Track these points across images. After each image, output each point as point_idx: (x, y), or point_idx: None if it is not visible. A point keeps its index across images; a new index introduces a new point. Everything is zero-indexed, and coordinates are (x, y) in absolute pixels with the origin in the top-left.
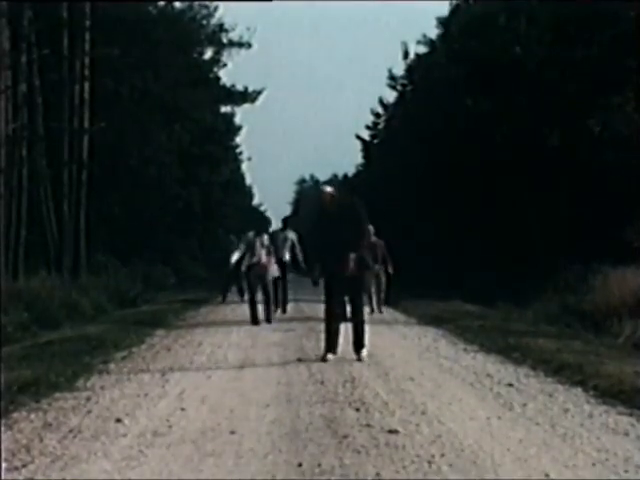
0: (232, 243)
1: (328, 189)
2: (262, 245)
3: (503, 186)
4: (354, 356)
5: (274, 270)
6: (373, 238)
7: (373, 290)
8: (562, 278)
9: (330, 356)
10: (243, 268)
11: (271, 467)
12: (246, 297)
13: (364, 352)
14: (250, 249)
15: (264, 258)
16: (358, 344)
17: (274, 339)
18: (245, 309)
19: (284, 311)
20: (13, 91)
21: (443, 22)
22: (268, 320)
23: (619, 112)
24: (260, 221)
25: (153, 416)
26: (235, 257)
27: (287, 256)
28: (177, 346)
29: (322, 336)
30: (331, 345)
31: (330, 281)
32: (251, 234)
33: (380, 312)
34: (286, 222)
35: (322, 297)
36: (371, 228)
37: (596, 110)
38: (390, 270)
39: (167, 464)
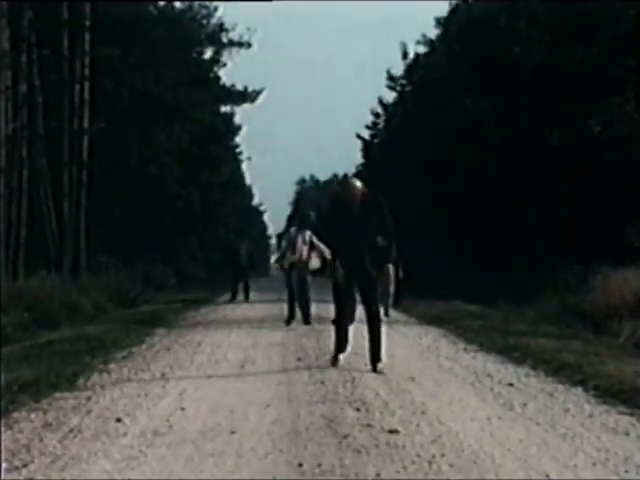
0: (236, 242)
1: (358, 183)
2: (304, 241)
3: (503, 186)
4: (362, 370)
5: (316, 263)
6: None
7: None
8: (562, 278)
9: (341, 356)
10: (285, 265)
11: (271, 467)
12: (249, 297)
13: (381, 365)
14: (291, 246)
15: (305, 255)
16: (375, 356)
17: (274, 339)
18: (244, 309)
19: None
20: (13, 91)
21: (442, 22)
22: (306, 321)
23: (619, 112)
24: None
25: (153, 416)
26: (275, 257)
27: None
28: (177, 346)
29: (323, 335)
30: (341, 348)
31: (338, 282)
32: (293, 230)
33: (387, 315)
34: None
35: (322, 297)
36: None
37: (596, 110)
38: (400, 273)
39: (167, 464)
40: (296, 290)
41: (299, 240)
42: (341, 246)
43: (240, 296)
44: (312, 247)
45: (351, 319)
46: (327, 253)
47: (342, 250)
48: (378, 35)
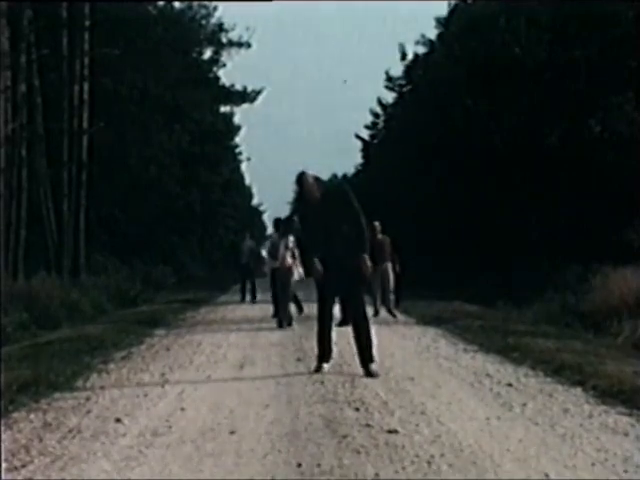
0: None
1: (310, 172)
2: (286, 247)
3: (503, 186)
4: (361, 371)
5: (300, 273)
6: (379, 236)
7: (378, 291)
8: (562, 278)
9: (325, 366)
10: (266, 270)
11: (270, 467)
12: (256, 298)
13: (374, 366)
14: (274, 251)
15: (289, 261)
16: (365, 357)
17: (273, 339)
18: (245, 309)
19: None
20: (13, 91)
21: (442, 22)
22: (288, 323)
23: (619, 112)
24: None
25: (153, 416)
26: (267, 247)
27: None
28: (177, 346)
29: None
30: (325, 353)
31: (324, 282)
32: (275, 235)
33: (394, 316)
34: (278, 224)
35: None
36: (377, 225)
37: (596, 110)
38: (397, 269)
39: (167, 464)
40: (279, 295)
41: (282, 246)
42: (316, 245)
43: (248, 296)
44: (294, 255)
45: (342, 322)
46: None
47: (318, 249)
48: (378, 35)
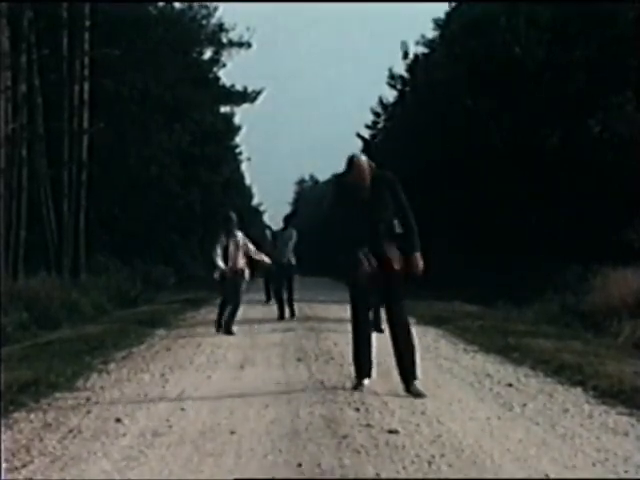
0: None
1: (364, 158)
2: (237, 247)
3: (503, 186)
4: (402, 388)
5: (246, 274)
6: None
7: None
8: (562, 278)
9: (366, 382)
10: (216, 276)
11: (271, 467)
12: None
13: (417, 384)
14: (225, 253)
15: (240, 263)
16: (407, 374)
17: (274, 339)
18: (244, 310)
19: (292, 315)
20: (13, 91)
21: (440, 24)
22: (228, 330)
23: (619, 112)
24: (252, 215)
25: (153, 416)
26: (219, 261)
27: (293, 259)
28: (177, 346)
29: (323, 336)
30: (364, 367)
31: (357, 283)
32: (223, 237)
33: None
34: (288, 221)
35: (322, 297)
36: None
37: (596, 110)
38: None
39: (167, 464)
40: (228, 299)
41: (231, 247)
42: (354, 238)
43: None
44: (245, 252)
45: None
46: (264, 258)
47: (355, 243)
48: (378, 35)
